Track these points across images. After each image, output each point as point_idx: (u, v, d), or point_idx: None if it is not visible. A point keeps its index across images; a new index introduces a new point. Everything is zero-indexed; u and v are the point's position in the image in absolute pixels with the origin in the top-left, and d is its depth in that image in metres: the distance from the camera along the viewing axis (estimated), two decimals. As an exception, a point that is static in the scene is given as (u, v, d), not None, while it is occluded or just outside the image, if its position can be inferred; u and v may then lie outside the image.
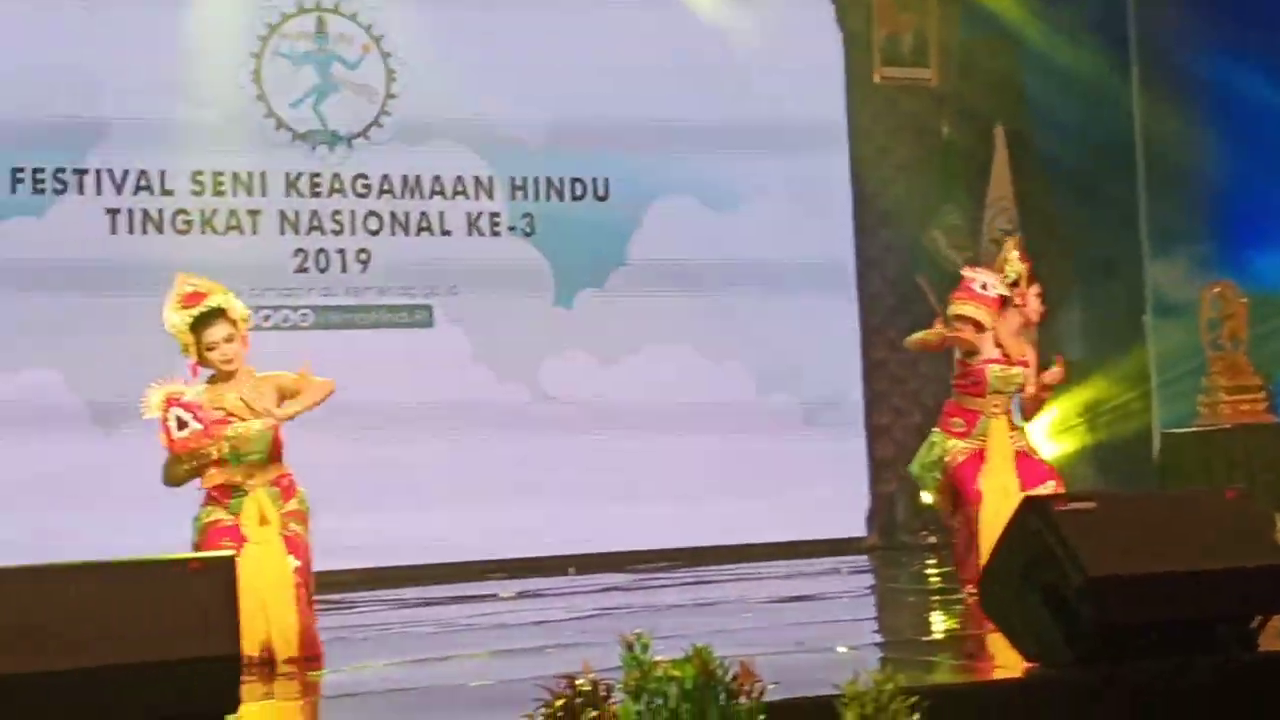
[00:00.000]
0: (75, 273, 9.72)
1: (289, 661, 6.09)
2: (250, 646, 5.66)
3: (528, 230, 11.05)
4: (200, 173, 10.30)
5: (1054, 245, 12.05)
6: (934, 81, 12.19)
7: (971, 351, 7.55)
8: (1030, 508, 4.85)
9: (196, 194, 10.25)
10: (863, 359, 11.82)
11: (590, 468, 10.57)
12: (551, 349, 10.97)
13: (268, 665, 5.95)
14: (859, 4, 11.92)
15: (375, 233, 10.73)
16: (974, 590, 6.99)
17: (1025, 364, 7.61)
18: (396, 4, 10.79)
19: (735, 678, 3.45)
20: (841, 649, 5.95)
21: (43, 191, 9.96)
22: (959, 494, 7.45)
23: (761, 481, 10.90)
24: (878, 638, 7.14)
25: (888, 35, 12.04)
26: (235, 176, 10.38)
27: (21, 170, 9.92)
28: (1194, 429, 10.72)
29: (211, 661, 3.77)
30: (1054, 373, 7.67)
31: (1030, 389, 7.66)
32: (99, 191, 10.07)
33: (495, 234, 11.00)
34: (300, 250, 10.51)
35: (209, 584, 3.82)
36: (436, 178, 10.87)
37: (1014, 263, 7.70)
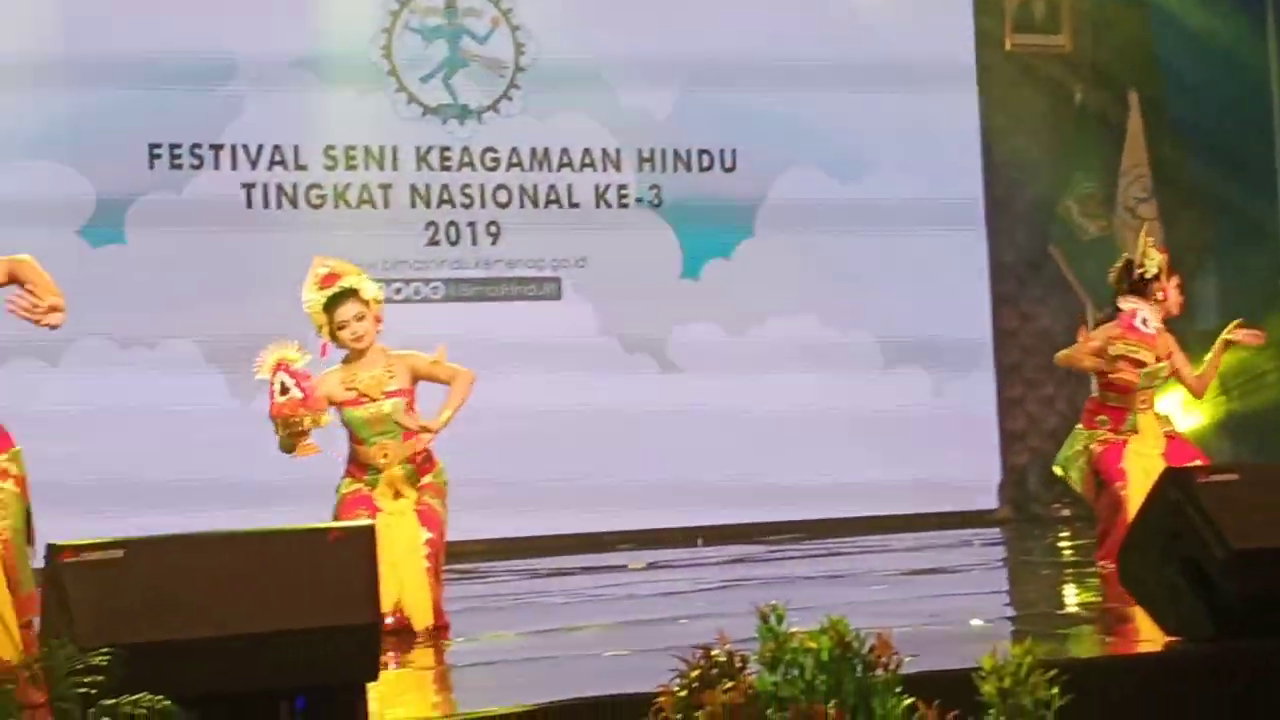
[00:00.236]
0: (212, 246, 9.89)
1: (421, 632, 6.17)
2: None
3: (655, 202, 11.06)
4: (333, 148, 10.42)
5: (1189, 213, 11.84)
6: (1066, 48, 12.02)
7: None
8: (1171, 480, 4.78)
9: (329, 169, 10.38)
10: (994, 330, 11.70)
11: (717, 439, 10.57)
12: (679, 320, 10.97)
13: (398, 634, 6.02)
14: (990, -30, 11.80)
15: (504, 205, 10.80)
16: (1107, 564, 6.92)
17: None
18: (525, -24, 10.85)
19: (872, 649, 3.43)
20: (976, 622, 5.91)
21: (180, 167, 10.14)
22: (1103, 478, 7.35)
23: (890, 453, 10.84)
24: (1010, 611, 7.08)
25: (1020, 1, 11.88)
26: (367, 151, 10.50)
27: (159, 146, 10.09)
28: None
29: (352, 630, 3.82)
30: (1253, 334, 7.47)
31: (1187, 375, 7.50)
32: (234, 167, 10.23)
33: (623, 206, 11.02)
34: (431, 224, 10.60)
35: (349, 553, 3.87)
36: (565, 150, 10.91)
37: (1152, 255, 7.52)
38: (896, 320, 11.19)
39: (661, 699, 3.43)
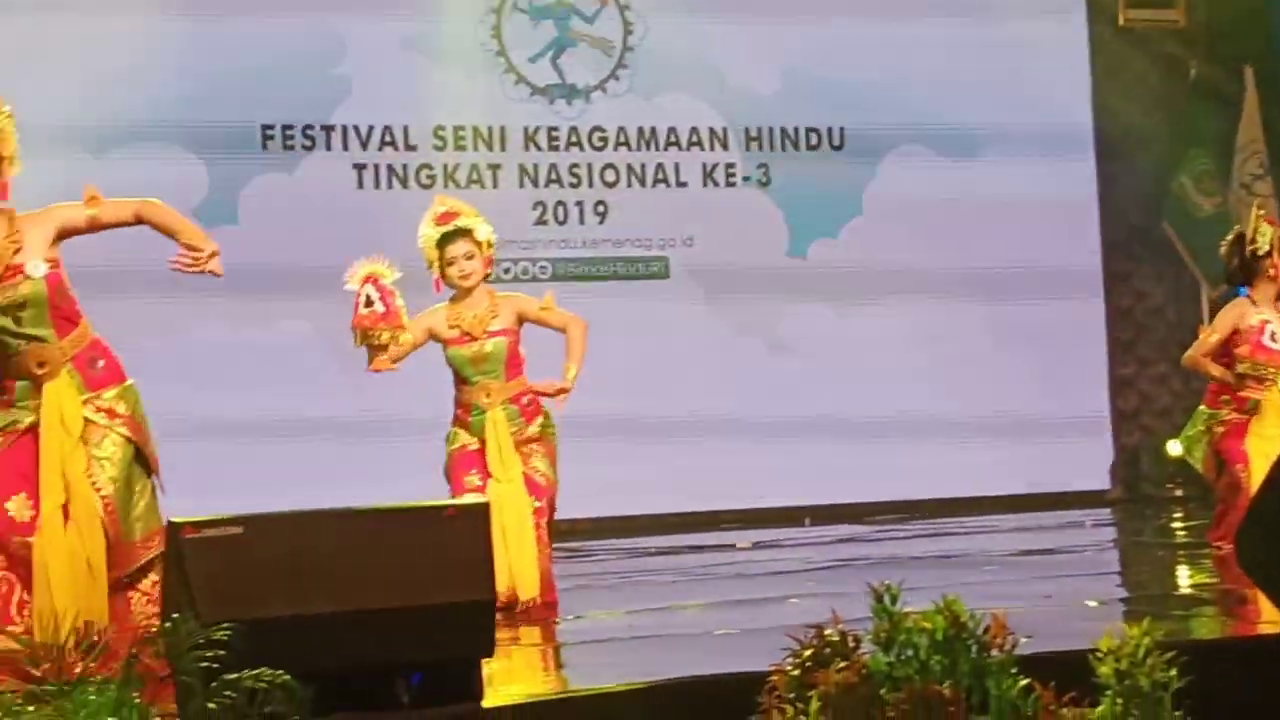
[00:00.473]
0: (324, 226, 9.99)
1: (528, 605, 6.19)
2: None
3: (763, 180, 11.04)
4: (442, 128, 10.51)
5: (1307, 189, 11.64)
6: (1181, 22, 11.84)
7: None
8: (1290, 460, 4.69)
9: (439, 149, 10.47)
10: (1106, 307, 11.57)
11: (825, 418, 10.53)
12: (785, 299, 10.94)
13: (508, 609, 6.05)
14: (1104, -55, 11.64)
15: (612, 185, 10.83)
16: (1224, 545, 6.84)
17: None
18: (633, -44, 10.85)
19: (987, 630, 3.41)
20: (1091, 603, 5.86)
21: (292, 148, 10.26)
22: (1224, 459, 7.27)
23: (1001, 433, 10.75)
24: (1124, 592, 7.01)
25: (1134, -25, 11.73)
26: (476, 131, 10.57)
27: (271, 128, 10.23)
28: None
29: (468, 606, 3.85)
30: None
31: None
32: (345, 148, 10.35)
33: (730, 185, 11.01)
34: (539, 203, 10.66)
35: (465, 530, 3.89)
36: (672, 129, 10.91)
37: (1265, 231, 7.40)
38: (1007, 298, 11.09)
39: (774, 678, 3.43)
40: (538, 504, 6.33)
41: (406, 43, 10.40)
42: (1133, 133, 11.67)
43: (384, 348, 6.12)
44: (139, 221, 4.77)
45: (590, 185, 10.80)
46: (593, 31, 10.81)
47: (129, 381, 4.76)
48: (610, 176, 10.84)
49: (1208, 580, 6.85)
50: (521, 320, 6.47)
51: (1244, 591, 5.51)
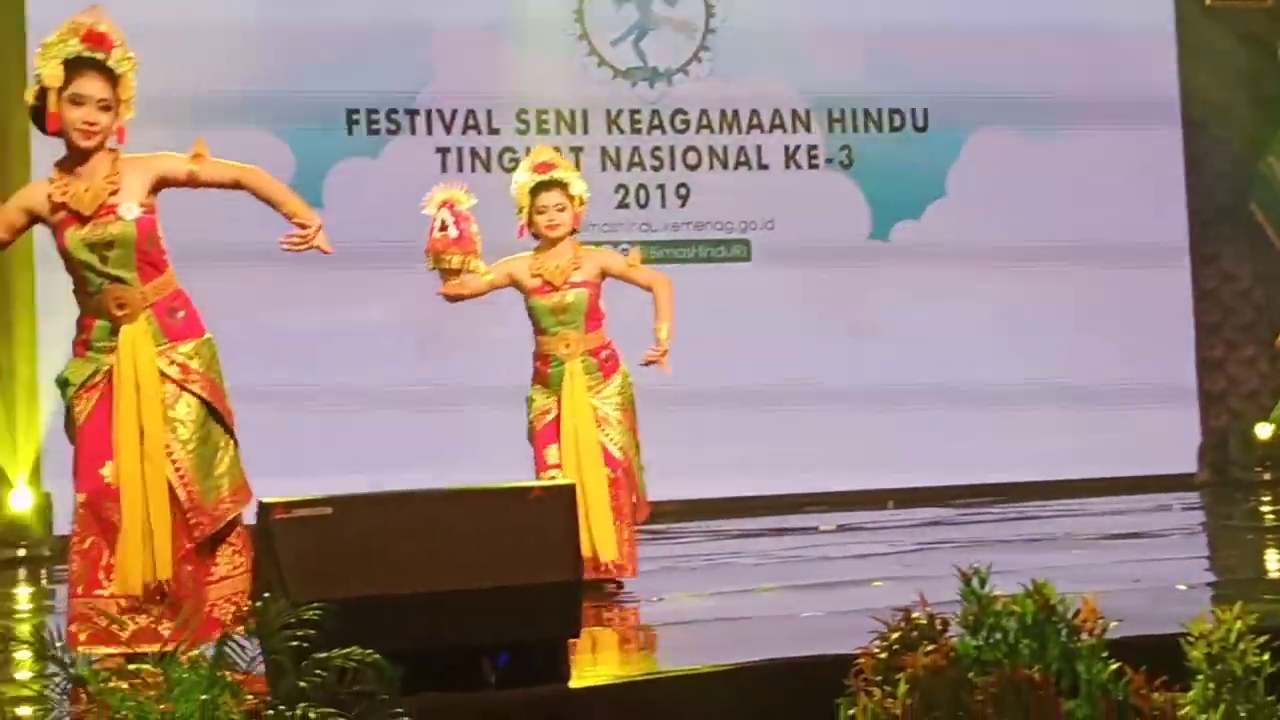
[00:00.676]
0: (407, 209, 10.02)
1: (610, 567, 6.18)
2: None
3: (845, 162, 11.00)
4: (525, 111, 10.54)
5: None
6: (1269, 1, 11.68)
7: None
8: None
9: (521, 132, 10.49)
10: (1193, 288, 11.44)
11: (908, 401, 10.48)
12: (867, 281, 10.90)
13: (593, 586, 6.05)
14: (1190, -77, 11.50)
15: (694, 168, 10.82)
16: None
17: None
18: (715, -62, 10.83)
19: (1076, 614, 3.39)
20: (1180, 586, 5.80)
21: (377, 132, 10.33)
22: None
23: (1087, 416, 10.65)
24: (1212, 576, 6.94)
25: (1221, -46, 11.58)
26: (558, 114, 10.59)
27: (356, 112, 10.30)
28: None
29: (555, 587, 3.87)
30: None
31: None
32: (429, 131, 10.40)
33: (813, 167, 10.97)
34: (621, 186, 10.66)
35: (551, 511, 3.91)
36: (754, 112, 10.89)
37: None
38: (1092, 281, 10.98)
39: (862, 661, 3.43)
40: (611, 475, 6.34)
41: (490, 26, 10.43)
42: (1219, 112, 11.52)
43: (456, 272, 6.23)
44: (237, 186, 4.80)
45: (672, 168, 10.79)
46: (675, 14, 10.80)
47: (207, 335, 4.78)
48: (692, 159, 10.83)
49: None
50: (604, 275, 6.52)
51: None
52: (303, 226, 4.78)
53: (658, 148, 10.78)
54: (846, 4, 10.82)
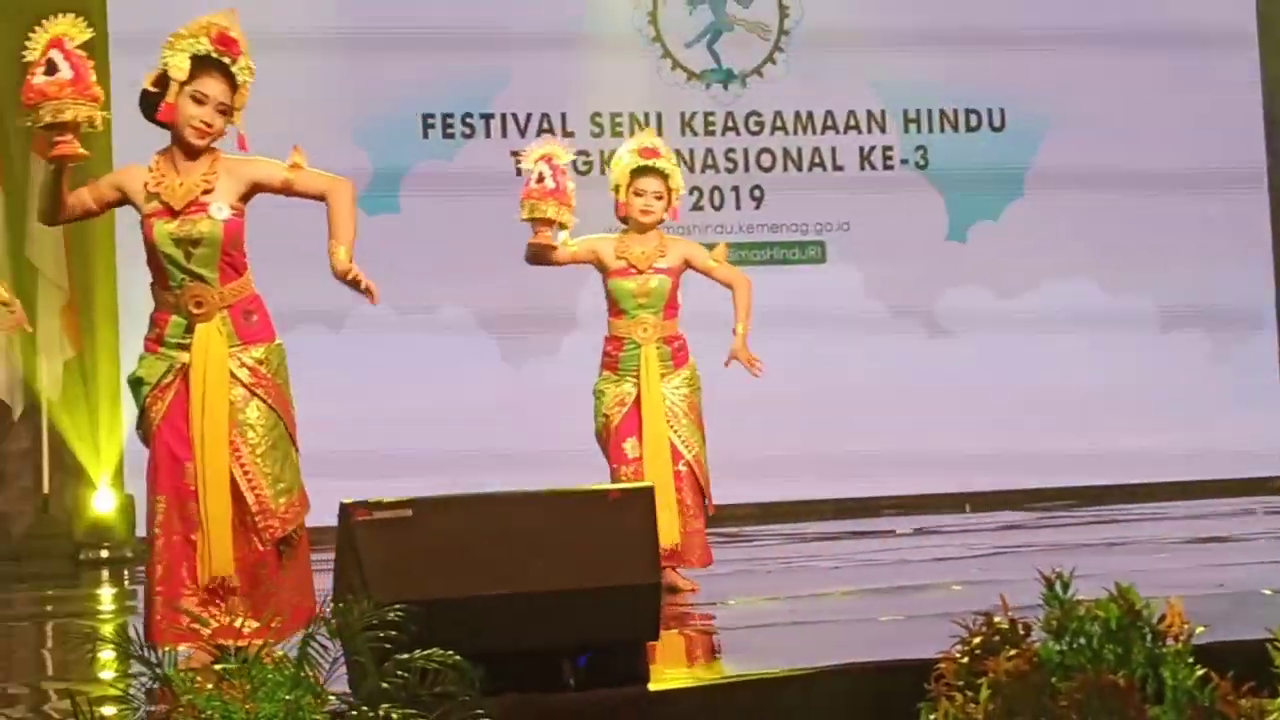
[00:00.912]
0: (482, 213, 10.07)
1: (672, 551, 6.17)
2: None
3: (921, 163, 10.94)
4: (599, 114, 10.55)
5: None
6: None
7: None
8: None
9: (596, 135, 10.50)
10: (1277, 292, 11.30)
11: (986, 404, 10.41)
12: (946, 283, 10.84)
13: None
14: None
15: (768, 170, 10.80)
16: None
17: None
18: (790, -61, 10.81)
19: (1161, 618, 3.35)
20: (1266, 591, 5.73)
21: (451, 136, 10.38)
22: None
23: (1166, 419, 10.54)
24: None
25: (1305, -51, 11.43)
26: (632, 117, 10.58)
27: (431, 116, 10.35)
28: None
29: (634, 590, 3.87)
30: None
31: None
32: (504, 135, 10.43)
33: (888, 168, 10.92)
34: (695, 189, 10.64)
35: (630, 514, 3.92)
36: (829, 113, 10.85)
37: None
38: (1173, 283, 10.89)
39: (943, 665, 3.41)
40: (680, 468, 6.35)
41: (564, 30, 10.45)
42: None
43: (549, 223, 6.28)
44: (322, 199, 4.84)
45: (746, 170, 10.78)
46: (749, 15, 10.79)
47: (278, 341, 4.81)
48: (766, 161, 10.81)
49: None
50: (687, 265, 6.53)
51: None
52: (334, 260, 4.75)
53: (732, 150, 10.76)
54: (922, 4, 10.77)
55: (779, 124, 10.82)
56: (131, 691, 3.51)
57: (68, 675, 5.19)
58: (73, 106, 4.45)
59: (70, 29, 4.52)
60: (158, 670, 3.31)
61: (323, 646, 3.38)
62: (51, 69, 4.46)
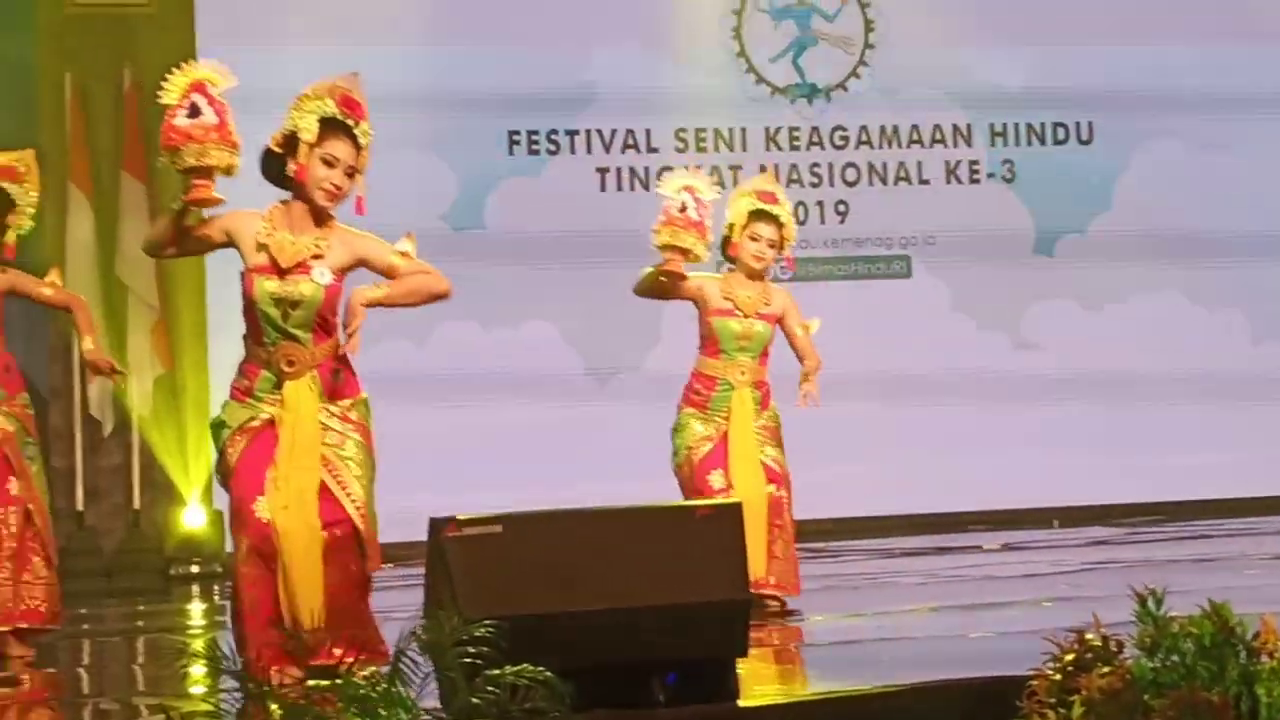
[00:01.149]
0: (568, 229, 10.12)
1: (760, 584, 6.16)
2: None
3: (1007, 177, 10.88)
4: (683, 130, 10.57)
5: None
6: None
7: None
8: None
9: (680, 151, 10.51)
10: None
11: (1074, 418, 10.33)
12: (1032, 297, 10.77)
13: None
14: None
15: (853, 184, 10.77)
16: None
17: None
18: (873, -46, 10.79)
19: (1256, 636, 3.33)
20: (1360, 609, 5.65)
21: (537, 153, 10.43)
22: None
23: (1258, 432, 10.41)
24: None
25: None
26: (717, 133, 10.61)
27: (517, 133, 10.40)
28: None
29: (724, 606, 3.87)
30: None
31: None
32: (589, 151, 10.47)
33: (974, 182, 10.87)
34: (780, 203, 10.62)
35: (719, 530, 3.92)
36: (914, 127, 10.81)
37: None
38: (1265, 296, 10.76)
39: (1035, 682, 3.40)
40: (779, 492, 6.35)
41: (648, 46, 10.48)
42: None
43: (684, 253, 6.27)
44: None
45: (831, 184, 10.76)
46: (834, 30, 10.77)
47: (363, 395, 4.85)
48: (851, 175, 10.79)
49: None
50: (778, 321, 6.55)
51: None
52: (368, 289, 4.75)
53: (816, 164, 10.75)
54: (1007, 17, 10.71)
55: (864, 138, 10.80)
56: (223, 707, 3.54)
57: (159, 690, 5.25)
58: (216, 152, 4.51)
59: (213, 75, 4.61)
60: (250, 686, 3.34)
61: (414, 662, 3.40)
62: (194, 112, 4.52)
